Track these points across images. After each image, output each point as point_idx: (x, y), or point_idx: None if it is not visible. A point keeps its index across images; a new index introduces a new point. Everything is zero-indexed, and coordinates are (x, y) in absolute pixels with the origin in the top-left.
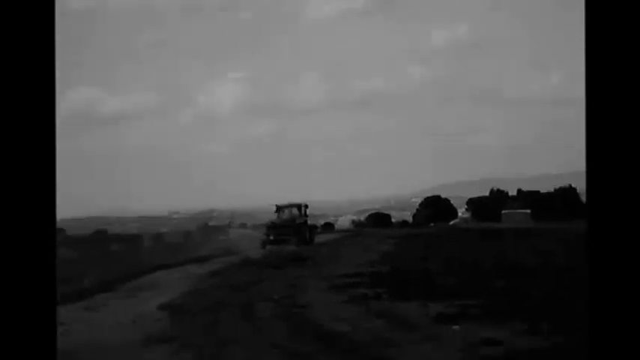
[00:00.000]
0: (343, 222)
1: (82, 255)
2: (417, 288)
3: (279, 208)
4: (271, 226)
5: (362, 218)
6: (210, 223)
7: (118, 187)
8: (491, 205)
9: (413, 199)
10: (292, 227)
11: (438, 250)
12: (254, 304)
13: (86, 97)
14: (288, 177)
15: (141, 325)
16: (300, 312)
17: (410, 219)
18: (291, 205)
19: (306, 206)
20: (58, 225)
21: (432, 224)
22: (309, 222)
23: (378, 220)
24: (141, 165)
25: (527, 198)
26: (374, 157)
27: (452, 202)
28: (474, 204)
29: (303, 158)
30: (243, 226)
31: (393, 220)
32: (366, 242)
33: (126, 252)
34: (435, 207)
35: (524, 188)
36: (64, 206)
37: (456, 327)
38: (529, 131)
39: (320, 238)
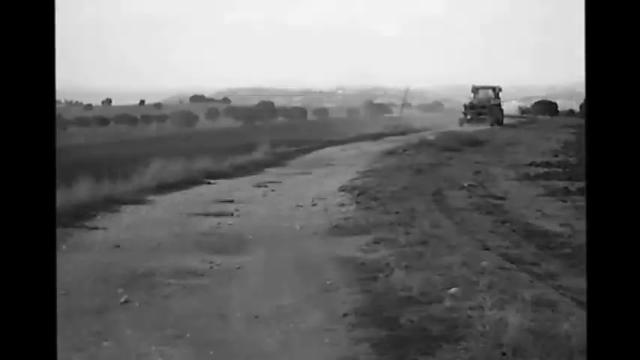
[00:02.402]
0: (509, 108)
1: (248, 126)
2: None
3: (476, 89)
4: (469, 106)
5: (528, 105)
6: (375, 101)
7: (283, 60)
8: None
9: (578, 89)
10: (488, 107)
11: None
12: (444, 192)
13: None
14: (449, 59)
15: (323, 210)
16: (498, 204)
17: (576, 108)
18: (486, 87)
19: (500, 89)
20: (222, 95)
21: None
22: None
23: (545, 107)
24: (307, 39)
25: None
26: (538, 39)
27: None
28: None
29: (469, 39)
30: (408, 105)
31: (558, 108)
32: (541, 130)
33: (291, 125)
34: None
35: None
36: (229, 76)
37: None
38: None
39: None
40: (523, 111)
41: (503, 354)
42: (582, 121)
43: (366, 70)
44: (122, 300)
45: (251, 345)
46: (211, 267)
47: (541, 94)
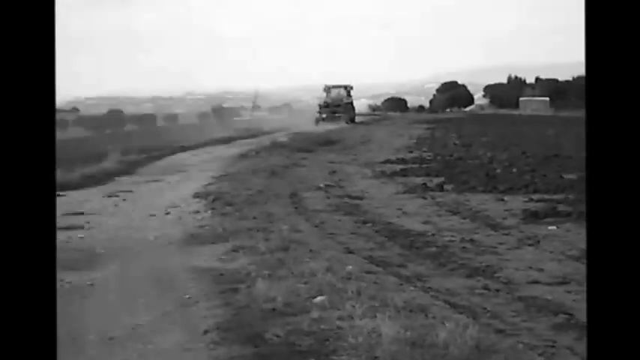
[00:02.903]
0: (358, 106)
1: (98, 135)
2: (478, 178)
3: (328, 89)
4: (324, 105)
5: (378, 103)
6: (225, 105)
7: (131, 67)
8: (508, 92)
9: (427, 85)
10: (342, 106)
11: (475, 136)
12: (300, 193)
13: None
14: (299, 60)
15: (177, 218)
16: (357, 204)
17: (425, 104)
18: (338, 86)
19: (352, 87)
20: (71, 105)
21: (448, 110)
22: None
23: (395, 104)
24: (154, 45)
25: (546, 86)
26: (387, 41)
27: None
28: (491, 91)
29: (315, 41)
30: (257, 108)
31: (408, 105)
32: (393, 126)
33: (141, 132)
34: (452, 92)
35: (542, 76)
36: (77, 86)
37: (552, 227)
38: (547, 17)
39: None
40: (373, 108)
41: None
42: (433, 116)
43: (213, 74)
44: None
45: None
46: (61, 285)
47: (391, 92)
